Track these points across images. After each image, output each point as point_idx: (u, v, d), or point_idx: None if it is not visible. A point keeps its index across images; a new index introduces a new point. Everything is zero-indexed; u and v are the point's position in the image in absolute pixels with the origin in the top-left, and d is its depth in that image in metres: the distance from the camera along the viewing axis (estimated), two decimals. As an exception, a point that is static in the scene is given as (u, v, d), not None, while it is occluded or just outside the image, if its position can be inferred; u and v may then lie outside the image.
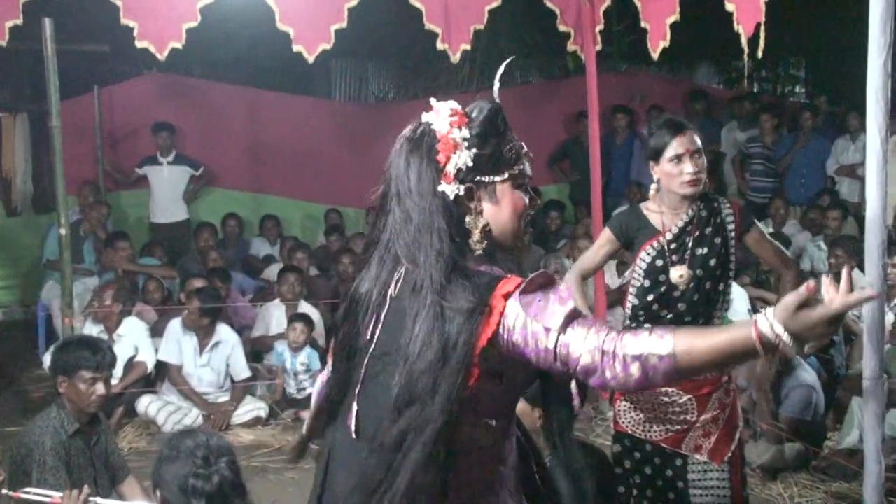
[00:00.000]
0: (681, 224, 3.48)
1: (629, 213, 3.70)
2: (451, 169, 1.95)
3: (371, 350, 2.00)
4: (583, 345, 1.78)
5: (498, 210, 2.00)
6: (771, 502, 4.84)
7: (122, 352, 5.95)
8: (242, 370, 6.43)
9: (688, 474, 3.46)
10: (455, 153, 1.95)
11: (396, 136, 2.05)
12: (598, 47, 6.22)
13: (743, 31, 4.60)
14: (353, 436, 2.00)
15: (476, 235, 1.96)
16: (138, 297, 7.27)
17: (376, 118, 9.64)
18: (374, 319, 2.01)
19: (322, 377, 2.39)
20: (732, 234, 3.49)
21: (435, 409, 1.82)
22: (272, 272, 8.11)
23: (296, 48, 5.68)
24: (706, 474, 3.46)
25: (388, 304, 1.99)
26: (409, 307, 1.90)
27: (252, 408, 6.31)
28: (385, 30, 10.87)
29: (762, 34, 4.44)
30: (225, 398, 6.36)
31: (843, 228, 7.67)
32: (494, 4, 5.90)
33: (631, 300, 3.57)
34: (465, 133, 1.96)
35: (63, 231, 5.52)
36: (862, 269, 3.46)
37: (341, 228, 9.07)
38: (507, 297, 1.84)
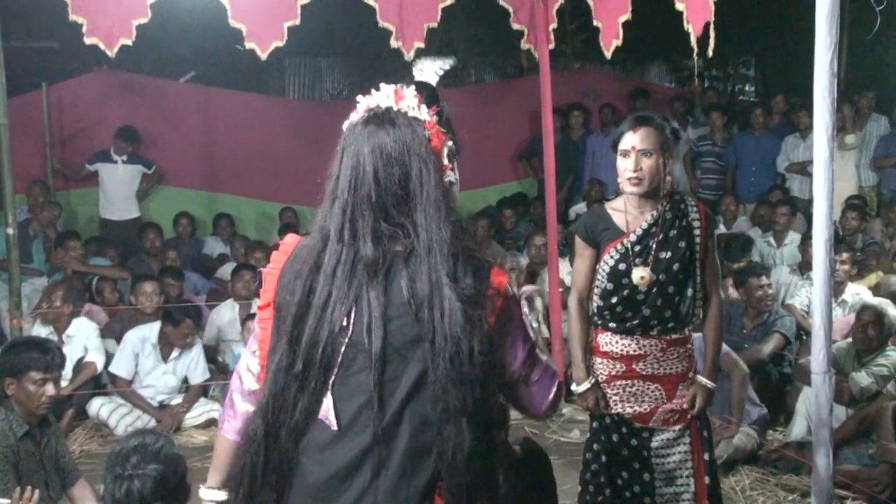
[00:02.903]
0: (645, 226, 3.43)
1: (593, 215, 3.64)
2: (444, 157, 1.97)
3: (348, 339, 1.89)
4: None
5: None
6: (723, 495, 4.88)
7: (71, 353, 5.86)
8: (202, 373, 6.36)
9: (652, 443, 3.50)
10: (444, 142, 1.97)
11: None
12: (552, 46, 6.27)
13: (693, 30, 4.66)
14: (335, 427, 1.90)
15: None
16: (88, 297, 7.15)
17: (330, 116, 9.41)
18: (344, 308, 1.89)
19: (245, 388, 2.08)
20: (698, 238, 3.44)
21: (490, 382, 1.90)
22: (226, 271, 8.03)
23: (248, 45, 5.63)
24: (673, 445, 3.50)
25: (360, 292, 1.89)
26: (411, 291, 1.87)
27: (206, 409, 6.23)
28: (339, 27, 10.86)
29: (712, 33, 4.50)
30: (179, 400, 6.28)
31: (791, 225, 7.80)
32: (448, 3, 5.91)
33: (595, 300, 3.55)
34: (440, 123, 1.99)
35: (11, 230, 5.44)
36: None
37: (297, 227, 9.00)
38: (503, 286, 1.93)
